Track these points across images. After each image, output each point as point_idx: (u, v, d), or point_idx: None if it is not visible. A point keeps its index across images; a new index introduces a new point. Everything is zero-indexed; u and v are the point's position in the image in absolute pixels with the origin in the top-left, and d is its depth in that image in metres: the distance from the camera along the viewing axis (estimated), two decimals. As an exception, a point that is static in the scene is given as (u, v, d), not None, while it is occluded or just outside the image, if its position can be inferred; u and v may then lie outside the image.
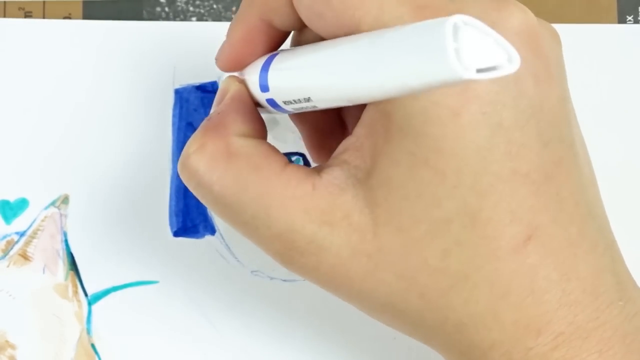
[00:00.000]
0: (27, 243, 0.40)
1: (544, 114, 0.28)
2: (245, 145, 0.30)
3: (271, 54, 0.31)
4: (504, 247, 0.27)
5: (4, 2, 0.42)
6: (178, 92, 0.42)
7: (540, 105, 0.28)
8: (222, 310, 0.40)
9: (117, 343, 0.40)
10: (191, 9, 0.43)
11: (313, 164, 0.41)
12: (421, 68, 0.21)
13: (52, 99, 0.41)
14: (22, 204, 0.41)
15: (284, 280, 0.41)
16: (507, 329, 0.28)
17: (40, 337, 0.39)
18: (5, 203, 0.41)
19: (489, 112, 0.27)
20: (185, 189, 0.41)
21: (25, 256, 0.40)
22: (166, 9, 0.43)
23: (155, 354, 0.40)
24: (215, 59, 0.34)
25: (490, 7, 0.28)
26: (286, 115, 0.41)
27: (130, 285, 0.40)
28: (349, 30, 0.27)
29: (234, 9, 0.43)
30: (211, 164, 0.29)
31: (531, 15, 0.29)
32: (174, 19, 0.43)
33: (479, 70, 0.20)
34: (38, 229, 0.40)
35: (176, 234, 0.41)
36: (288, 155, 0.41)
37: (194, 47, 0.42)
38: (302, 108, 0.30)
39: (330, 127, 0.36)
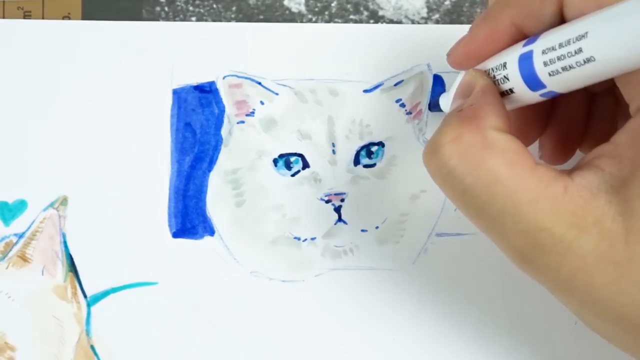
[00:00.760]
0: (26, 245, 0.40)
1: None
2: (501, 140, 0.30)
3: (522, 42, 0.31)
4: None
5: (3, 1, 0.42)
6: (176, 93, 0.41)
7: None
8: (221, 310, 0.40)
9: (117, 344, 0.40)
10: (191, 8, 0.43)
11: (312, 165, 0.41)
12: None
13: (50, 100, 0.41)
14: (21, 205, 0.41)
15: (283, 281, 0.41)
16: None
17: (39, 339, 0.39)
18: (4, 205, 0.41)
19: None
20: (185, 190, 0.41)
21: (24, 258, 0.40)
22: (166, 8, 0.43)
23: (154, 354, 0.40)
24: (448, 54, 0.35)
25: None
26: (286, 116, 0.41)
27: (130, 287, 0.40)
28: None
29: (234, 8, 0.43)
30: (466, 156, 0.30)
31: None
32: (174, 19, 0.43)
33: None
34: (37, 231, 0.40)
35: (175, 235, 0.41)
36: (287, 155, 0.41)
37: (192, 48, 0.42)
38: (569, 83, 0.29)
39: (531, 125, 0.36)
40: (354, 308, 0.41)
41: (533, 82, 0.30)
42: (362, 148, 0.41)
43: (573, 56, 0.28)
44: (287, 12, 0.43)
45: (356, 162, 0.41)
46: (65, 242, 0.40)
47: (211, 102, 0.41)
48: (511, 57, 0.31)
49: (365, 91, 0.41)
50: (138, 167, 0.41)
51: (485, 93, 0.32)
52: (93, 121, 0.41)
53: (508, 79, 0.32)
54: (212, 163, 0.41)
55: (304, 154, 0.41)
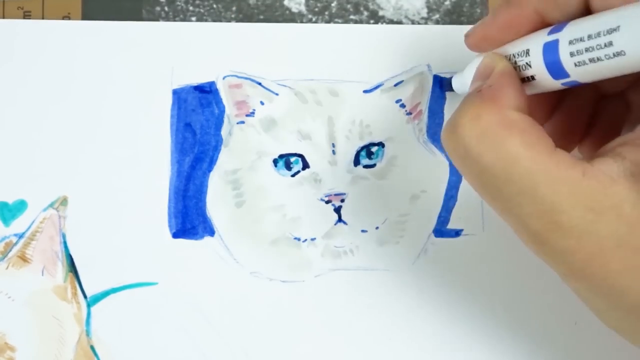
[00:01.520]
0: (26, 245, 0.40)
1: None
2: (521, 120, 0.30)
3: (546, 30, 0.31)
4: None
5: (3, 1, 0.42)
6: (176, 93, 0.41)
7: None
8: (221, 311, 0.40)
9: (117, 344, 0.40)
10: (191, 8, 0.43)
11: (312, 165, 0.41)
12: None
13: (50, 100, 0.41)
14: (21, 205, 0.41)
15: (283, 282, 0.41)
16: None
17: (39, 339, 0.39)
18: (4, 205, 0.41)
19: None
20: (185, 191, 0.41)
21: (24, 258, 0.40)
22: (166, 8, 0.43)
23: (154, 355, 0.40)
24: (467, 35, 0.35)
25: None
26: (286, 116, 0.41)
27: (130, 287, 0.40)
28: None
29: (234, 8, 0.43)
30: (484, 134, 0.29)
31: None
32: (174, 19, 0.43)
33: None
34: (37, 231, 0.40)
35: (175, 235, 0.41)
36: (287, 155, 0.41)
37: (192, 48, 0.42)
38: (593, 69, 0.29)
39: (578, 122, 0.36)
40: (353, 308, 0.41)
41: (557, 70, 0.30)
42: (362, 148, 0.41)
43: (602, 49, 0.28)
44: (287, 12, 0.43)
45: (356, 162, 0.41)
46: (65, 243, 0.40)
47: (211, 102, 0.41)
48: (535, 44, 0.31)
49: (365, 91, 0.41)
50: (138, 167, 0.41)
51: (505, 75, 0.32)
52: (93, 121, 0.41)
53: (530, 66, 0.32)
54: (212, 163, 0.41)
55: (304, 154, 0.41)
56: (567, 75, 0.30)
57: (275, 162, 0.41)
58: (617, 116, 0.35)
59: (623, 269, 0.28)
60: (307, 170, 0.41)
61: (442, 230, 0.41)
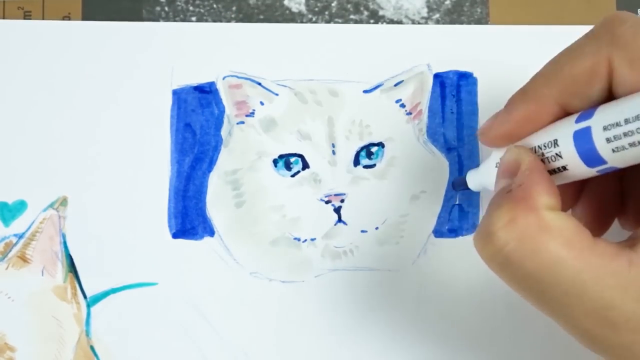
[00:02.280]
0: (26, 245, 0.40)
1: None
2: (557, 219, 0.29)
3: (573, 118, 0.30)
4: None
5: (4, 1, 0.42)
6: (176, 93, 0.41)
7: None
8: (220, 311, 0.40)
9: (116, 345, 0.40)
10: (191, 8, 0.43)
11: (312, 165, 0.40)
12: None
13: (50, 100, 0.41)
14: (21, 206, 0.41)
15: (283, 282, 0.41)
16: None
17: (39, 339, 0.39)
18: (4, 205, 0.41)
19: None
20: (185, 191, 0.41)
21: (24, 258, 0.40)
22: (166, 8, 0.43)
23: (154, 355, 0.40)
24: (481, 133, 0.34)
25: None
26: (286, 116, 0.41)
27: (130, 287, 0.40)
28: None
29: (234, 8, 0.43)
30: (523, 240, 0.29)
31: None
32: (174, 19, 0.43)
33: None
34: (37, 231, 0.40)
35: (175, 235, 0.41)
36: (287, 155, 0.41)
37: (192, 48, 0.42)
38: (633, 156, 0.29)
39: (609, 199, 0.35)
40: (353, 309, 0.41)
41: (592, 158, 0.30)
42: (362, 149, 0.41)
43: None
44: (287, 12, 0.43)
45: (356, 162, 0.41)
46: (65, 243, 0.40)
47: (211, 102, 0.41)
48: (563, 134, 0.30)
49: (365, 91, 0.41)
50: (138, 167, 0.41)
51: (534, 171, 0.31)
52: (93, 122, 0.41)
53: (561, 156, 0.31)
54: (212, 164, 0.41)
55: (303, 154, 0.41)
56: (603, 162, 0.29)
57: (275, 162, 0.41)
58: None
59: None
60: (307, 170, 0.41)
61: (441, 230, 0.41)
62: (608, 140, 0.29)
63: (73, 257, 0.40)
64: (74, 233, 0.41)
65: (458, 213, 0.41)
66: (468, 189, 0.38)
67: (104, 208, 0.41)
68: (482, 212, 0.41)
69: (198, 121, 0.41)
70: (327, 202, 0.40)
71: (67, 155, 0.41)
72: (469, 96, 0.41)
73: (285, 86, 0.41)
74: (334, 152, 0.41)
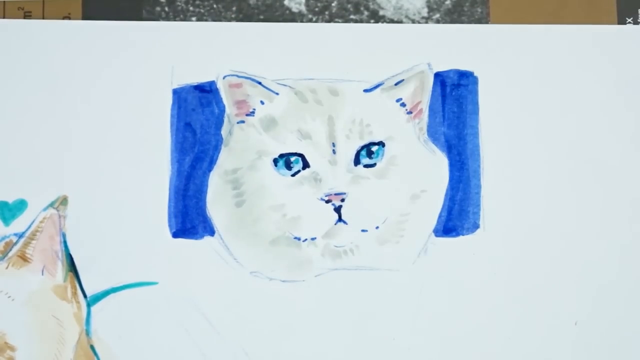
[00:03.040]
0: (26, 244, 0.40)
1: None
2: None
3: None
4: None
5: (4, 1, 0.42)
6: (176, 92, 0.41)
7: None
8: (221, 310, 0.40)
9: (117, 344, 0.40)
10: (191, 8, 0.43)
11: (312, 165, 0.40)
12: None
13: (50, 100, 0.41)
14: (21, 205, 0.41)
15: (283, 281, 0.41)
16: None
17: (39, 339, 0.39)
18: (4, 204, 0.41)
19: None
20: (185, 190, 0.41)
21: (24, 257, 0.40)
22: (166, 8, 0.43)
23: (154, 354, 0.40)
24: None
25: None
26: (286, 115, 0.41)
27: (130, 287, 0.40)
28: None
29: (234, 8, 0.43)
30: None
31: None
32: (174, 19, 0.43)
33: None
34: (37, 230, 0.40)
35: (175, 235, 0.41)
36: (287, 155, 0.41)
37: (192, 48, 0.42)
38: None
39: None
40: (354, 308, 0.41)
41: None
42: (362, 148, 0.41)
43: None
44: (287, 12, 0.43)
45: (356, 162, 0.41)
46: (65, 242, 0.40)
47: (211, 101, 0.41)
48: None
49: (366, 91, 0.41)
50: (138, 167, 0.41)
51: None
52: (93, 121, 0.41)
53: None
54: (212, 163, 0.41)
55: (304, 153, 0.41)
56: None
57: (275, 161, 0.41)
58: None
59: None
60: (307, 169, 0.41)
61: (442, 229, 0.41)
62: None
63: (73, 256, 0.40)
64: (74, 232, 0.41)
65: (458, 212, 0.41)
66: None
67: (104, 207, 0.41)
68: (482, 212, 0.41)
69: (198, 120, 0.41)
70: (327, 202, 0.40)
71: (67, 154, 0.41)
72: (469, 95, 0.41)
73: (285, 85, 0.41)
74: (334, 152, 0.41)
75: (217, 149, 0.41)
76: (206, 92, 0.41)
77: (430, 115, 0.41)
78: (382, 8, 0.43)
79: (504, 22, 0.42)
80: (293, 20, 0.43)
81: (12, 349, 0.39)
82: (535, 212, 0.40)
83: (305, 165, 0.41)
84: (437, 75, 0.41)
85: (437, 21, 0.43)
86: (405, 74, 0.41)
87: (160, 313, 0.40)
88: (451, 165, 0.41)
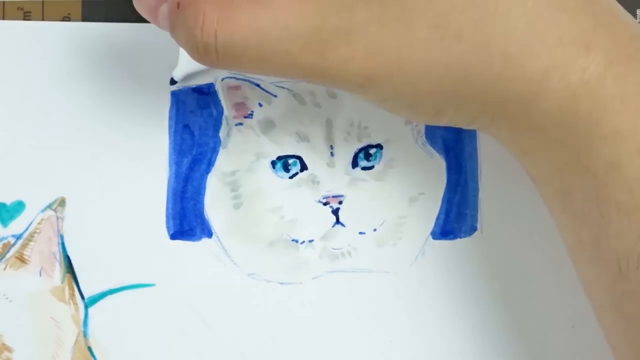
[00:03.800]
0: (24, 246, 0.40)
1: None
2: None
3: None
4: None
5: (3, 2, 0.42)
6: (174, 94, 0.41)
7: None
8: (218, 312, 0.40)
9: (114, 346, 0.40)
10: (190, 9, 0.43)
11: (310, 167, 0.41)
12: None
13: (49, 101, 0.41)
14: (19, 206, 0.41)
15: (281, 283, 0.41)
16: (556, 51, 0.28)
17: (36, 340, 0.40)
18: (2, 206, 0.41)
19: None
20: (183, 192, 0.41)
21: (21, 259, 0.40)
22: (165, 9, 0.43)
23: (152, 356, 0.40)
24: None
25: None
26: (284, 118, 0.41)
27: (127, 288, 0.40)
28: None
29: (232, 9, 0.43)
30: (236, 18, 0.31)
31: None
32: (173, 20, 0.43)
33: None
34: (35, 232, 0.40)
35: (173, 236, 0.41)
36: (285, 157, 0.41)
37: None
38: None
39: None
40: (351, 311, 0.41)
41: None
42: (360, 150, 0.41)
43: None
44: (286, 13, 0.43)
45: (354, 164, 0.41)
46: (63, 244, 0.40)
47: (209, 104, 0.41)
48: None
49: (364, 93, 0.41)
50: (136, 168, 0.41)
51: None
52: (91, 122, 0.41)
53: None
54: (210, 165, 0.41)
55: (302, 156, 0.41)
56: None
57: (273, 163, 0.41)
58: None
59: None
60: (305, 172, 0.41)
61: (440, 232, 0.41)
62: None
63: (71, 258, 0.40)
64: (72, 234, 0.41)
65: (456, 215, 0.41)
66: (176, 82, 0.39)
67: (102, 209, 0.41)
68: (480, 214, 0.41)
69: (196, 122, 0.41)
70: (325, 204, 0.40)
71: (65, 156, 0.41)
72: (467, 98, 0.41)
73: (283, 88, 0.41)
74: (332, 154, 0.41)
75: (215, 151, 0.41)
76: (204, 94, 0.41)
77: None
78: (381, 10, 0.43)
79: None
80: (292, 22, 0.43)
81: (10, 350, 0.39)
82: (533, 214, 0.40)
83: (303, 167, 0.41)
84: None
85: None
86: (403, 77, 0.41)
87: (157, 315, 0.40)
88: (449, 167, 0.41)
